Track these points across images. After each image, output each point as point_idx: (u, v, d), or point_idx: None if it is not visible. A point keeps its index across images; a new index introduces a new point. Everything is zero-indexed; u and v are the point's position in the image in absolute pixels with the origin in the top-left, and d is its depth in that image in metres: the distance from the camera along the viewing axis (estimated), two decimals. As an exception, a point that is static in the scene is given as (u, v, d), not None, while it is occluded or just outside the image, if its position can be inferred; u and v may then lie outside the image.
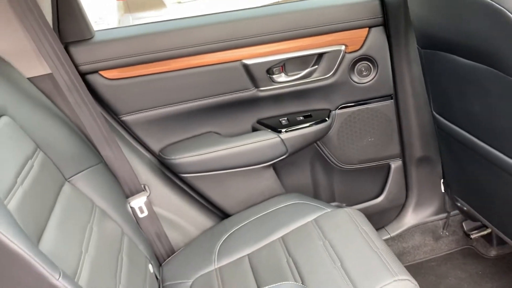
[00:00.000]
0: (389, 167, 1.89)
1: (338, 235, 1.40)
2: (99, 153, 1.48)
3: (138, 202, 1.55)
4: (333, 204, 1.92)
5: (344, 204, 1.94)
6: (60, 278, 0.92)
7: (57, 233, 1.10)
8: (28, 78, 1.41)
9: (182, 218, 1.67)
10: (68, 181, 1.33)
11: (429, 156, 1.87)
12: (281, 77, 1.69)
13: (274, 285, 1.00)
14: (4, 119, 1.17)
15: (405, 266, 1.45)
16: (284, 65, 1.68)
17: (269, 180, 1.74)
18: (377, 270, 1.24)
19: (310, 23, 1.60)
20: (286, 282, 1.00)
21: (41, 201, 1.12)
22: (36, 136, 1.27)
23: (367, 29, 1.66)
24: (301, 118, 1.74)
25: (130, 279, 1.25)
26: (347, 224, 1.44)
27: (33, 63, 1.41)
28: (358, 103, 1.76)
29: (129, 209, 1.53)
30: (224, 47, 1.57)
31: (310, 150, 1.82)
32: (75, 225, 1.19)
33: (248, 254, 1.47)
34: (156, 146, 1.66)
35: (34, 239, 1.00)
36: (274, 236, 1.50)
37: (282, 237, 1.48)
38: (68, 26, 1.47)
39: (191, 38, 1.55)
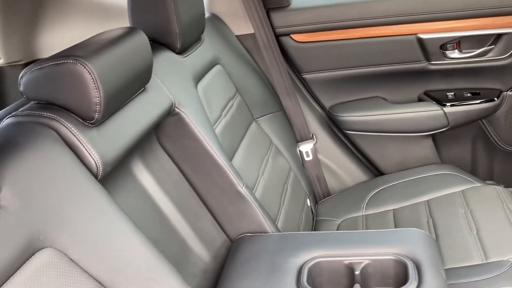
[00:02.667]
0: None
1: (481, 207, 1.50)
2: (280, 102, 1.80)
3: (305, 148, 1.85)
4: (489, 182, 1.95)
5: (501, 185, 1.96)
6: (243, 187, 1.26)
7: (243, 157, 1.45)
8: (236, 36, 1.77)
9: (341, 168, 1.92)
10: (255, 121, 1.68)
11: None
12: (454, 54, 1.77)
13: (403, 228, 1.19)
14: (218, 67, 1.55)
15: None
16: (459, 42, 1.75)
17: (426, 149, 1.87)
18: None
19: (491, 3, 1.64)
20: (415, 229, 1.18)
21: (235, 131, 1.48)
22: (237, 82, 1.63)
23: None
24: (469, 94, 1.81)
25: (291, 205, 1.56)
26: (493, 200, 1.52)
27: (241, 23, 1.77)
28: (533, 87, 1.75)
29: (298, 152, 1.84)
30: (401, 21, 1.72)
31: (474, 126, 1.88)
32: (256, 154, 1.54)
33: (393, 209, 1.65)
34: (327, 103, 1.92)
35: (229, 156, 1.36)
36: (420, 199, 1.65)
37: (428, 201, 1.63)
38: (270, -6, 1.79)
39: (371, 10, 1.73)
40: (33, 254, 0.68)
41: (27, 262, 0.66)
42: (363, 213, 1.69)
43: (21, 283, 0.64)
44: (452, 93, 1.82)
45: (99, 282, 0.75)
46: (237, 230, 1.28)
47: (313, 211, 1.78)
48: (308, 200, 1.74)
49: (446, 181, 1.70)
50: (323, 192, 1.89)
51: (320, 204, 1.84)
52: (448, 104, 1.79)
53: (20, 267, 0.65)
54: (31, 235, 0.68)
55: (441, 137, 1.90)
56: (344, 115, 1.86)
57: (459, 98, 1.80)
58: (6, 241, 0.64)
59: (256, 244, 1.21)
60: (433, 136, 1.87)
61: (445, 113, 1.78)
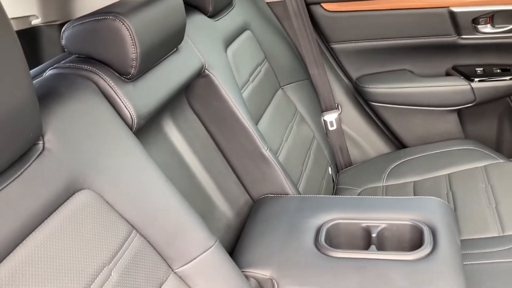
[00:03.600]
0: None
1: (502, 183, 1.51)
2: (307, 71, 1.82)
3: (330, 117, 1.88)
4: (513, 160, 1.95)
5: (526, 164, 1.95)
6: (267, 150, 1.31)
7: (269, 122, 1.49)
8: (267, 2, 1.79)
9: (364, 139, 1.94)
10: (282, 88, 1.71)
11: None
12: (487, 28, 1.75)
13: (421, 196, 1.21)
14: (247, 32, 1.57)
15: None
16: (492, 17, 1.73)
17: (450, 124, 1.87)
18: (529, 219, 1.34)
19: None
20: (433, 197, 1.21)
21: (261, 97, 1.52)
22: (266, 49, 1.65)
23: None
24: (499, 70, 1.79)
25: (312, 172, 1.60)
26: (514, 176, 1.53)
27: (271, -10, 1.78)
28: None
29: (322, 121, 1.87)
30: (434, -7, 1.70)
31: (501, 103, 1.87)
32: (281, 121, 1.57)
33: (414, 181, 1.68)
34: (354, 74, 1.93)
35: (255, 121, 1.40)
36: (441, 172, 1.67)
37: (449, 174, 1.64)
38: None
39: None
40: (73, 194, 0.73)
41: (67, 201, 0.72)
42: (384, 184, 1.71)
43: (61, 221, 0.70)
44: (481, 69, 1.81)
45: (132, 225, 0.81)
46: (260, 191, 1.33)
47: (334, 180, 1.81)
48: (329, 168, 1.77)
49: (469, 156, 1.70)
50: (345, 162, 1.92)
51: (341, 174, 1.87)
52: (476, 79, 1.78)
53: (60, 206, 0.71)
54: (71, 176, 0.73)
55: (466, 113, 1.90)
56: (370, 86, 1.87)
57: (488, 74, 1.79)
58: (49, 180, 0.70)
59: (277, 204, 1.26)
60: (458, 111, 1.87)
61: (472, 88, 1.78)
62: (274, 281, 1.01)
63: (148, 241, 0.83)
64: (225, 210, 1.26)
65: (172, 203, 0.89)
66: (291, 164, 1.47)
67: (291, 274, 1.01)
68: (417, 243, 1.07)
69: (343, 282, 0.96)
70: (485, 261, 1.21)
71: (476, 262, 1.22)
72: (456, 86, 1.79)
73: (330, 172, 1.78)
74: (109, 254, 0.74)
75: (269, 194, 1.33)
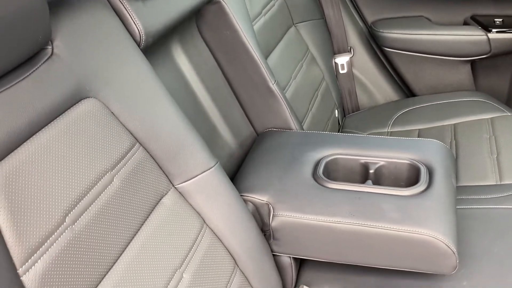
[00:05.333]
0: None
1: (506, 135, 1.51)
2: (322, 10, 1.79)
3: (341, 60, 1.87)
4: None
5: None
6: (274, 84, 1.31)
7: (278, 57, 1.48)
8: None
9: (374, 85, 1.94)
10: (295, 25, 1.69)
11: None
12: (510, -23, 1.70)
13: (422, 138, 1.22)
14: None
15: None
16: (517, -35, 1.67)
17: (462, 74, 1.85)
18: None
19: None
20: (434, 140, 1.21)
21: (273, 31, 1.51)
22: (281, -17, 1.62)
23: None
24: (518, 23, 1.75)
25: (318, 112, 1.61)
26: (521, 129, 1.53)
27: None
28: None
29: (333, 63, 1.86)
30: None
31: (517, 57, 1.84)
32: (291, 58, 1.57)
33: (419, 129, 1.68)
34: (369, 17, 1.89)
35: (264, 55, 1.39)
36: (447, 122, 1.67)
37: (454, 124, 1.65)
38: None
39: None
40: (79, 101, 0.76)
41: (73, 107, 0.74)
42: (389, 130, 1.73)
43: (66, 124, 0.72)
44: (500, 20, 1.76)
45: (135, 138, 0.84)
46: (264, 125, 1.35)
47: (340, 123, 1.82)
48: (336, 111, 1.78)
49: (478, 107, 1.70)
50: (352, 107, 1.92)
51: (347, 118, 1.88)
52: (494, 30, 1.74)
53: (66, 110, 0.73)
54: (78, 83, 0.75)
55: (479, 65, 1.87)
56: (385, 31, 1.84)
57: (507, 25, 1.75)
58: (57, 83, 0.72)
59: (280, 137, 1.28)
60: (472, 63, 1.84)
61: (488, 39, 1.74)
62: (270, 206, 1.05)
63: (150, 154, 0.86)
64: (229, 139, 1.28)
65: (176, 121, 0.92)
66: (297, 102, 1.48)
67: (287, 201, 1.05)
68: (413, 182, 1.09)
69: (336, 210, 1.00)
70: (478, 206, 1.24)
71: (470, 206, 1.24)
72: (473, 36, 1.75)
73: (337, 115, 1.78)
74: (111, 161, 0.78)
75: (273, 128, 1.35)
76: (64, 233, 0.66)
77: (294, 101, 1.45)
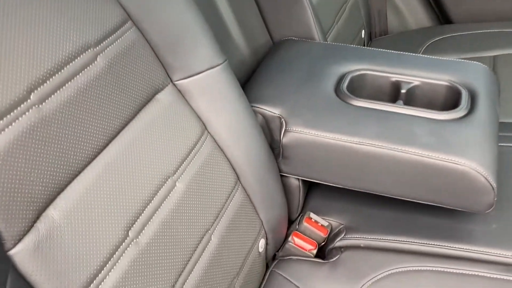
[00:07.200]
0: None
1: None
2: None
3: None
4: None
5: None
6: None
7: None
8: None
9: (407, 8, 1.74)
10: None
11: None
12: None
13: (466, 61, 1.05)
14: None
15: None
16: None
17: (509, 2, 1.64)
18: None
19: None
20: (478, 63, 1.05)
21: None
22: None
23: None
24: None
25: (344, 29, 1.42)
26: None
27: None
28: None
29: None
30: None
31: None
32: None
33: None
34: None
35: None
36: (486, 54, 1.49)
37: (494, 56, 1.47)
38: None
39: None
40: None
41: None
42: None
43: None
44: None
45: (127, 14, 0.69)
46: (283, 32, 1.19)
47: (365, 45, 1.64)
48: (363, 31, 1.59)
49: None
50: (380, 30, 1.73)
51: (374, 41, 1.70)
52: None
53: None
54: None
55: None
56: None
57: None
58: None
59: (301, 47, 1.12)
60: None
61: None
62: (282, 119, 0.90)
63: (145, 37, 0.71)
64: (241, 45, 1.12)
65: (183, 7, 0.76)
66: (323, 12, 1.29)
67: (303, 115, 0.90)
68: (450, 108, 0.94)
69: (359, 130, 0.85)
70: (517, 145, 1.09)
71: (508, 144, 1.10)
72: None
73: (363, 36, 1.60)
74: (94, 37, 0.63)
75: (293, 37, 1.18)
76: None
77: (320, 11, 1.26)
